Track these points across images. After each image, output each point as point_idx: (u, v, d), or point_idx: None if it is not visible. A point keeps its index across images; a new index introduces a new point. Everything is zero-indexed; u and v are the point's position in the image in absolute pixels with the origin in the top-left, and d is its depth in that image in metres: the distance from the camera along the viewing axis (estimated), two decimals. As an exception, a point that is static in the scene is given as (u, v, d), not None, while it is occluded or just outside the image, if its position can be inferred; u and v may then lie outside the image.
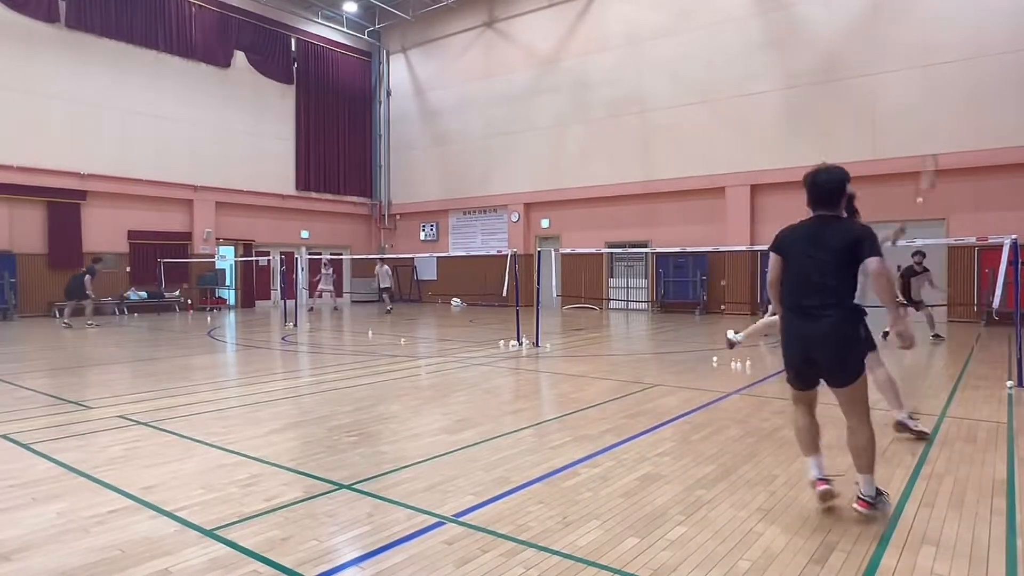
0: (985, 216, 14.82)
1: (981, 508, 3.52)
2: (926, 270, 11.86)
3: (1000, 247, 7.52)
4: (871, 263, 3.34)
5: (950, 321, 15.42)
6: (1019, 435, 5.05)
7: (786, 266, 3.75)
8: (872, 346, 4.20)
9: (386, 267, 20.92)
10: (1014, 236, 7.44)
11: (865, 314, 3.46)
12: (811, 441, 3.60)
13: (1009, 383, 7.04)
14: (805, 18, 17.15)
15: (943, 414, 5.78)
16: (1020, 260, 7.41)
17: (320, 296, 21.27)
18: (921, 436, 4.88)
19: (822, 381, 3.46)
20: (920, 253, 11.54)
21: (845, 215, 3.85)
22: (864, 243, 3.41)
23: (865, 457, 3.34)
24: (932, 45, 15.44)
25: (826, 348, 3.35)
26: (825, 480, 3.47)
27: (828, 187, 3.90)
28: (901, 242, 10.39)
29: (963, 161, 15.08)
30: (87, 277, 15.27)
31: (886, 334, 11.21)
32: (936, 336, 11.69)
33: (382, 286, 20.79)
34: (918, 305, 11.77)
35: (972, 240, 9.23)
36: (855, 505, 3.34)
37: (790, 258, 3.77)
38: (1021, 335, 7.10)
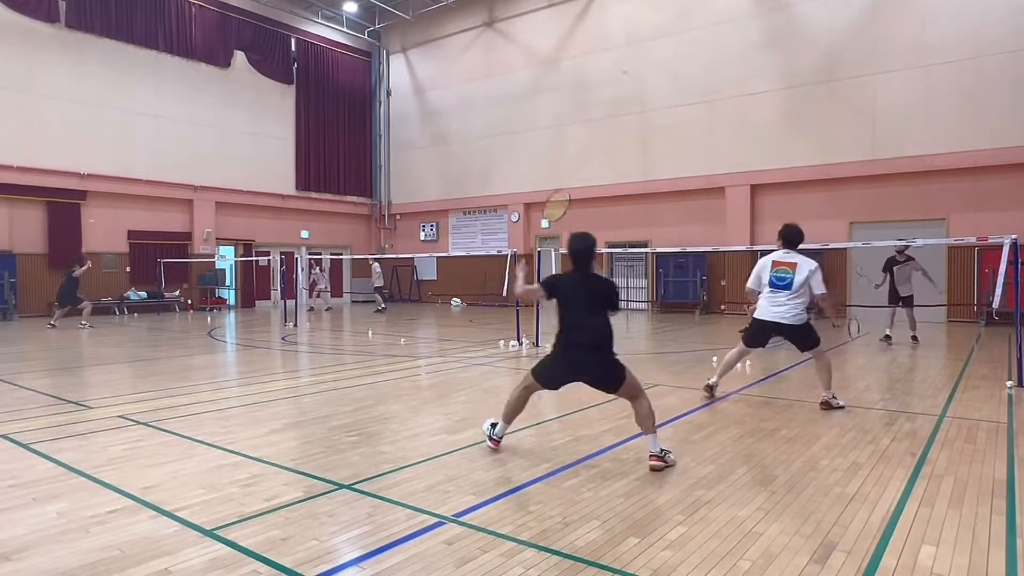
0: (985, 216, 14.82)
1: (981, 508, 3.52)
2: (910, 259, 11.32)
3: (1000, 247, 7.52)
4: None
5: (950, 321, 15.43)
6: (1019, 435, 5.05)
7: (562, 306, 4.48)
8: (817, 340, 5.95)
9: (376, 265, 20.85)
10: (1014, 236, 7.45)
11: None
12: (514, 413, 4.68)
13: (1009, 383, 7.04)
14: (805, 18, 17.15)
15: (943, 414, 5.79)
16: (1020, 260, 7.41)
17: (319, 296, 21.27)
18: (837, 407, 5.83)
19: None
20: (904, 243, 10.76)
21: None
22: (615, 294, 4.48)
23: (650, 421, 4.33)
24: (932, 45, 15.44)
25: (599, 367, 4.40)
26: (499, 440, 4.63)
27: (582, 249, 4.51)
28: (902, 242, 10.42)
29: (962, 161, 15.10)
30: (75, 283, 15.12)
31: (888, 337, 11.30)
32: (914, 338, 11.36)
33: (374, 285, 20.71)
34: (903, 300, 11.40)
35: (972, 240, 9.22)
36: (650, 462, 4.20)
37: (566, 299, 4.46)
38: (1021, 335, 7.10)
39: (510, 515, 3.45)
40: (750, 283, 6.19)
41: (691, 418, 5.72)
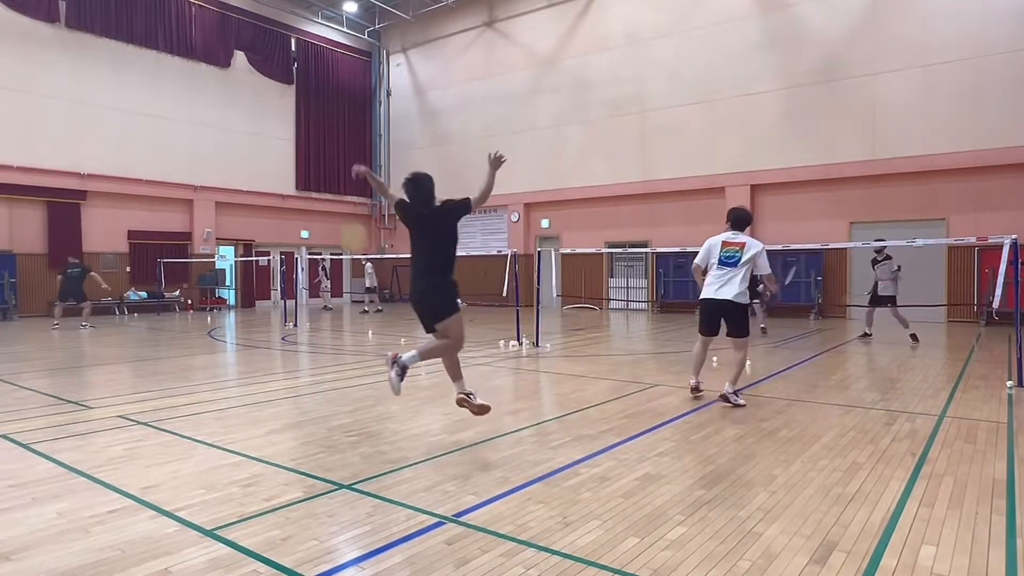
0: (985, 216, 14.82)
1: (981, 508, 3.52)
2: (888, 257, 11.59)
3: (1000, 247, 7.52)
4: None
5: (950, 321, 15.43)
6: (1019, 435, 5.05)
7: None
8: (747, 332, 6.25)
9: (369, 265, 20.70)
10: (1014, 236, 7.45)
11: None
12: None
13: (1009, 383, 7.04)
14: (805, 18, 17.15)
15: (943, 414, 5.79)
16: (1020, 260, 7.41)
17: (319, 296, 21.24)
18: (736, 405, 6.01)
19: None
20: (882, 243, 11.15)
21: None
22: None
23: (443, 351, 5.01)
24: (932, 45, 15.44)
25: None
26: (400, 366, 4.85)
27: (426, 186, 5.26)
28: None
29: (963, 161, 15.10)
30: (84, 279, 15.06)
31: (867, 335, 11.43)
32: (913, 336, 11.30)
33: (366, 285, 20.59)
34: (883, 300, 11.47)
35: (972, 240, 9.22)
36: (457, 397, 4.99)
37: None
38: (1021, 335, 7.10)
39: (510, 515, 3.45)
40: (698, 259, 6.41)
41: (691, 418, 5.72)
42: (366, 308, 20.28)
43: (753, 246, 6.14)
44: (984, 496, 3.70)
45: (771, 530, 3.24)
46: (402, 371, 4.82)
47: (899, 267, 11.73)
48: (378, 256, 22.38)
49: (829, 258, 16.87)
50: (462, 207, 5.27)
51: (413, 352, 4.88)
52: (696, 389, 6.50)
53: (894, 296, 11.63)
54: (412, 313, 5.35)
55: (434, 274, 5.05)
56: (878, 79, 16.14)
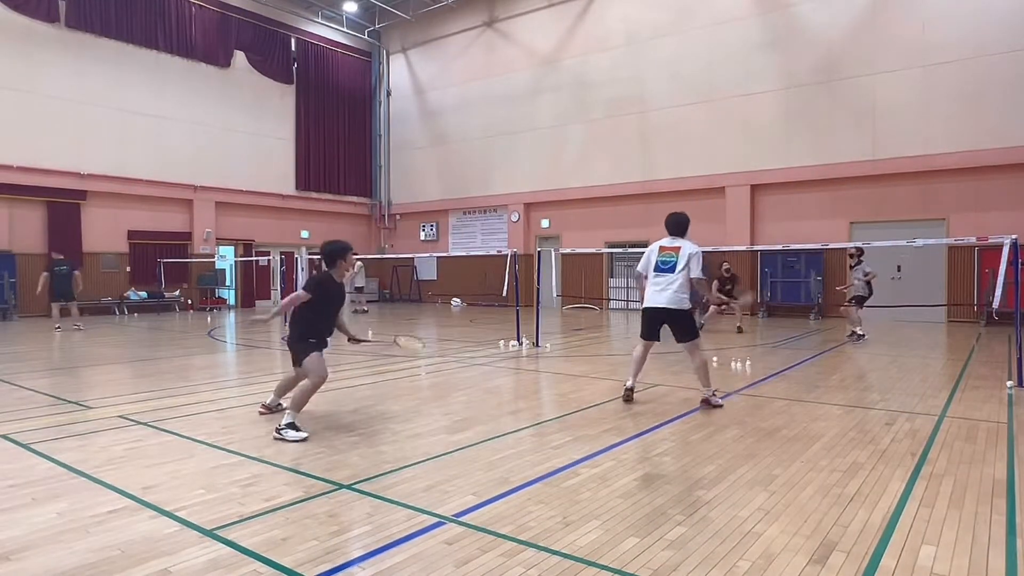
0: (985, 216, 14.83)
1: (981, 508, 3.52)
2: (860, 262, 11.99)
3: (1000, 247, 7.52)
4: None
5: (950, 321, 15.44)
6: (1019, 435, 5.05)
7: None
8: (695, 334, 6.15)
9: (358, 264, 20.27)
10: (1014, 236, 7.45)
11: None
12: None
13: (1009, 383, 7.04)
14: (805, 18, 17.15)
15: (943, 414, 5.79)
16: (1020, 260, 7.41)
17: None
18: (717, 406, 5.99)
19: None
20: (856, 247, 11.79)
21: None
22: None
23: (297, 397, 5.28)
24: (932, 45, 15.44)
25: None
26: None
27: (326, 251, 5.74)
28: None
29: (963, 161, 15.10)
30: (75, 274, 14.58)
31: (856, 335, 11.58)
32: (853, 334, 11.76)
33: (356, 285, 20.20)
34: (857, 300, 11.96)
35: (972, 240, 9.22)
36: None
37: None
38: (1021, 335, 7.10)
39: (510, 515, 3.45)
40: (640, 266, 6.38)
41: (691, 418, 5.72)
42: (361, 307, 20.22)
43: (687, 250, 6.05)
44: (984, 496, 3.70)
45: (771, 530, 3.24)
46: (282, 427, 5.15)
47: (872, 272, 12.05)
48: (378, 256, 22.43)
49: (829, 258, 16.87)
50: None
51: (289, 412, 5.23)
52: (630, 391, 6.23)
53: (864, 297, 12.00)
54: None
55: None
56: (878, 79, 16.14)
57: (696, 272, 5.99)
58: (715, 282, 13.14)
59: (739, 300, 12.86)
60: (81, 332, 13.72)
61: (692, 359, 6.12)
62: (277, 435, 4.99)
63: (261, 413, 5.85)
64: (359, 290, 20.38)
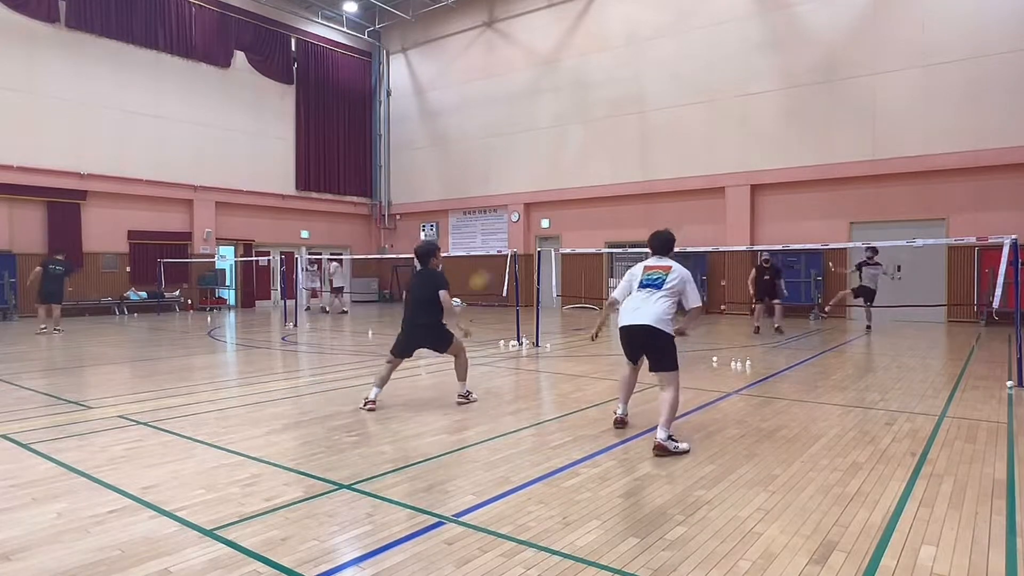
0: (985, 216, 14.82)
1: (981, 508, 3.52)
2: (877, 264, 13.09)
3: (1000, 247, 7.52)
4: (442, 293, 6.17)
5: (950, 321, 15.44)
6: (1019, 435, 5.05)
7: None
8: (675, 365, 5.06)
9: (334, 264, 20.06)
10: (1014, 236, 7.45)
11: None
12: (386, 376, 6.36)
13: (1009, 383, 7.04)
14: (805, 18, 17.15)
15: (943, 414, 5.79)
16: (1020, 260, 7.41)
17: (338, 296, 20.96)
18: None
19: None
20: (872, 248, 12.85)
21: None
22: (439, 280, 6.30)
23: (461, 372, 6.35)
24: (932, 45, 15.44)
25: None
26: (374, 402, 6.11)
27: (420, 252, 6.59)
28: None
29: (963, 161, 15.10)
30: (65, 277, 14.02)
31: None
32: (868, 327, 13.11)
33: (335, 285, 19.79)
34: (863, 293, 12.98)
35: (972, 240, 9.22)
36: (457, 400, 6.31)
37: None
38: (1021, 335, 7.10)
39: (510, 515, 3.45)
40: (617, 292, 5.38)
41: (691, 418, 5.72)
42: (343, 310, 19.89)
43: (679, 270, 5.11)
44: (984, 496, 3.70)
45: (771, 530, 3.24)
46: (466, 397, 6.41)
47: (887, 272, 13.26)
48: (378, 256, 22.41)
49: (829, 258, 16.85)
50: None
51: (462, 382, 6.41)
52: (623, 420, 5.44)
53: (874, 292, 13.01)
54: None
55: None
56: (878, 79, 16.14)
57: (696, 300, 5.09)
58: (752, 272, 13.20)
59: (777, 300, 12.96)
60: (62, 335, 13.19)
61: (664, 392, 4.88)
62: (462, 400, 6.27)
63: (370, 409, 6.02)
64: (338, 291, 19.85)
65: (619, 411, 5.49)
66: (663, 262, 5.31)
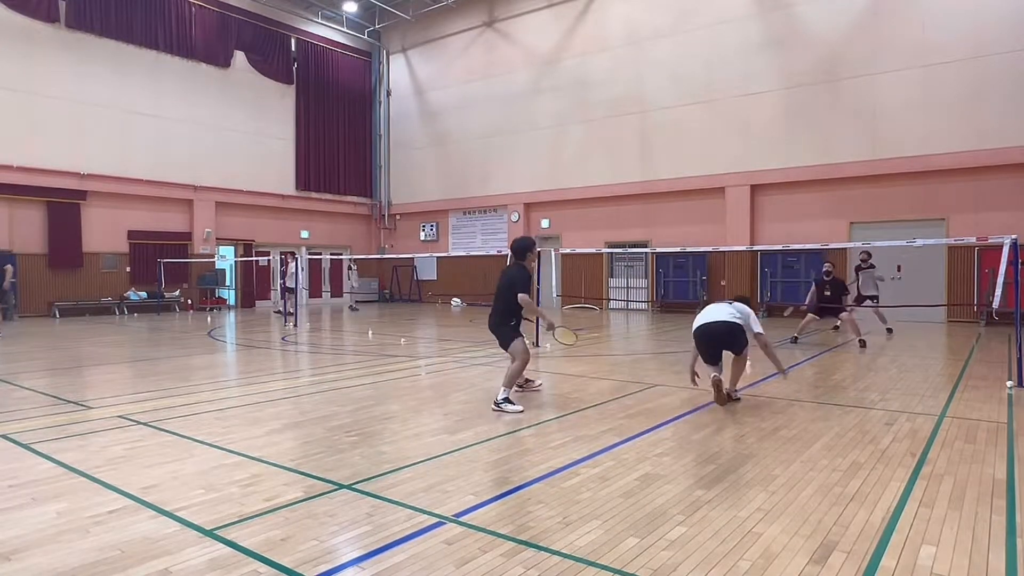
0: (985, 216, 14.83)
1: (981, 508, 3.52)
2: (872, 266, 12.94)
3: (1000, 247, 7.52)
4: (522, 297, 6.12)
5: (950, 321, 15.44)
6: (1019, 435, 5.05)
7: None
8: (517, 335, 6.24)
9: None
10: (1014, 236, 7.45)
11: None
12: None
13: (1009, 383, 7.04)
14: (805, 18, 17.15)
15: (943, 414, 5.79)
16: (1020, 260, 7.41)
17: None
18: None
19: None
20: (866, 252, 12.79)
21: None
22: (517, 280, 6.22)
23: (509, 378, 6.07)
24: (932, 45, 15.44)
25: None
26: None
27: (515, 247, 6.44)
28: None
29: (962, 161, 15.10)
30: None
31: (795, 339, 11.53)
32: (889, 330, 12.66)
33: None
34: (865, 300, 12.75)
35: (972, 240, 9.22)
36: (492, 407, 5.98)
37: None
38: (1021, 335, 7.10)
39: (510, 515, 3.45)
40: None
41: (691, 418, 5.72)
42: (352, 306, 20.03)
43: (744, 309, 6.60)
44: (984, 496, 3.70)
45: (771, 530, 3.24)
46: (499, 406, 6.01)
47: (881, 277, 13.10)
48: (378, 256, 22.42)
49: (829, 258, 16.85)
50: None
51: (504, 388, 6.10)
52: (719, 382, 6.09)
53: (876, 296, 12.82)
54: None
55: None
56: (878, 79, 16.14)
57: (758, 327, 6.27)
58: (812, 288, 11.67)
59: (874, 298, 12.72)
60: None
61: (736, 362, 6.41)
62: (496, 408, 5.92)
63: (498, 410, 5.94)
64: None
65: (713, 373, 6.08)
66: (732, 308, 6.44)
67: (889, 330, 12.75)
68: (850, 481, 3.97)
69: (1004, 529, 3.25)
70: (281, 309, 18.40)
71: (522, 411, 5.87)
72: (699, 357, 6.37)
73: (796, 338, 11.54)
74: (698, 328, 6.32)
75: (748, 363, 6.56)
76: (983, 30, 14.88)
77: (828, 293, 11.30)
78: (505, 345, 6.29)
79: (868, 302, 12.82)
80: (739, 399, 6.32)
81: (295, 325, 15.40)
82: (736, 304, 6.52)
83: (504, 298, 6.22)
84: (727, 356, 6.33)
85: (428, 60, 25.28)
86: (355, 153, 26.18)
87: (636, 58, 19.90)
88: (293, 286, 17.24)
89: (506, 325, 6.24)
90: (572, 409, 6.07)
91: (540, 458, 4.50)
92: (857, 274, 13.23)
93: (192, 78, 20.97)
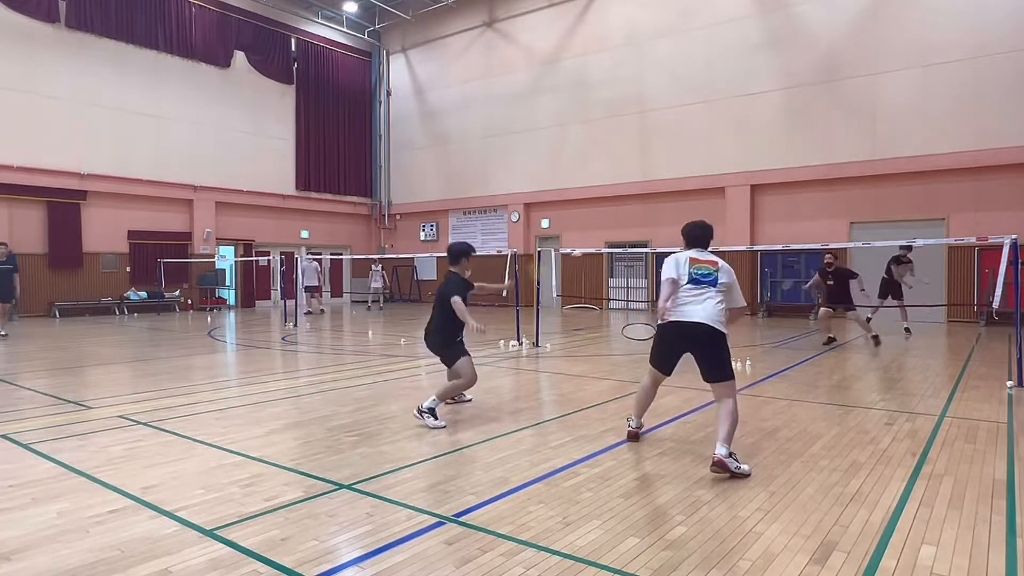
0: (985, 216, 14.82)
1: (981, 508, 3.52)
2: (910, 261, 12.69)
3: (1000, 247, 7.52)
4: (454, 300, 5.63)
5: (950, 321, 15.43)
6: (1019, 435, 5.05)
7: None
8: (732, 373, 4.49)
9: (314, 264, 19.35)
10: (1014, 236, 7.45)
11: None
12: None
13: (1009, 383, 7.04)
14: (805, 18, 17.15)
15: (943, 414, 5.79)
16: (1020, 260, 7.41)
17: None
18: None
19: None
20: (907, 247, 12.37)
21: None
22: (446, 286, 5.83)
23: (447, 391, 5.62)
24: (932, 45, 15.44)
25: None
26: None
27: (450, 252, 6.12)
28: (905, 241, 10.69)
29: (963, 161, 15.10)
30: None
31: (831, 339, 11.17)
32: (907, 330, 12.40)
33: (305, 284, 18.57)
34: (891, 291, 12.59)
35: (972, 240, 9.22)
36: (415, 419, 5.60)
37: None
38: (1021, 335, 7.10)
39: (510, 515, 3.45)
40: (672, 272, 4.68)
41: (691, 418, 5.72)
42: (316, 309, 19.25)
43: (726, 267, 4.74)
44: (984, 496, 3.70)
45: (771, 530, 3.24)
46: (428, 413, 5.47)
47: (911, 274, 12.76)
48: (378, 256, 22.42)
49: (832, 250, 16.85)
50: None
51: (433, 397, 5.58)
52: (637, 432, 5.00)
53: (900, 289, 12.69)
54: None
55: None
56: (878, 79, 16.14)
57: (742, 300, 4.80)
58: (815, 276, 11.53)
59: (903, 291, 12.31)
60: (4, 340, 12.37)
61: (723, 405, 4.36)
62: (418, 415, 5.45)
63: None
64: (311, 289, 18.92)
65: (633, 423, 4.97)
66: (707, 256, 4.81)
67: (907, 331, 12.37)
68: (850, 481, 3.97)
69: (1004, 529, 3.25)
70: (311, 308, 18.98)
71: (444, 426, 5.32)
72: (656, 355, 4.80)
73: (831, 338, 11.07)
74: (670, 324, 4.58)
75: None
76: (983, 30, 14.88)
77: (831, 283, 11.03)
78: (450, 363, 5.73)
79: (891, 299, 12.51)
80: (748, 474, 4.14)
81: (295, 325, 15.40)
82: (721, 269, 4.66)
83: (444, 312, 5.66)
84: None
85: (428, 60, 25.28)
86: (355, 153, 26.17)
87: (636, 58, 19.90)
88: (316, 284, 18.66)
89: (451, 342, 5.74)
90: (572, 409, 6.07)
91: (540, 458, 4.50)
92: (891, 266, 12.68)
93: (192, 78, 20.97)
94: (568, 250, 17.22)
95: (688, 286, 4.60)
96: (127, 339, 12.95)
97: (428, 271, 25.30)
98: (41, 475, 4.14)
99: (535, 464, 4.36)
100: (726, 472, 4.08)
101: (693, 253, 4.79)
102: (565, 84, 21.38)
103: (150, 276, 19.74)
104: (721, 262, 4.76)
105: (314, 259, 19.99)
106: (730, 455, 4.15)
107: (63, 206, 18.22)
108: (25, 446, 4.82)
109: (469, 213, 24.39)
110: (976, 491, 3.78)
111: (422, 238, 25.63)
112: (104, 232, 19.19)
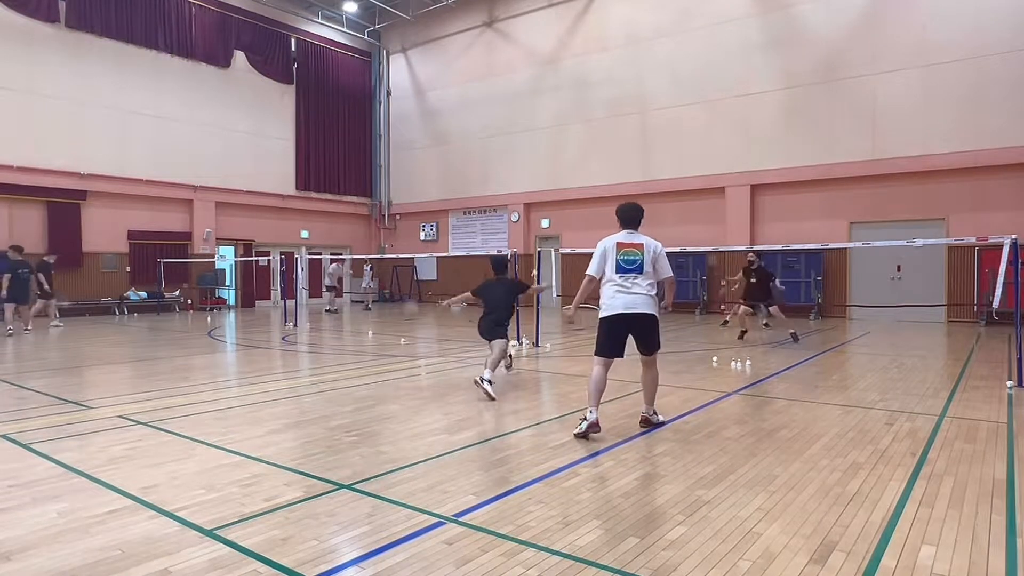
0: (985, 216, 14.82)
1: (981, 508, 3.52)
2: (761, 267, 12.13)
3: (1000, 247, 7.52)
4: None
5: (950, 321, 15.44)
6: (1019, 435, 5.05)
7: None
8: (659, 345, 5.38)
9: (334, 265, 20.16)
10: (1014, 236, 7.45)
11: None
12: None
13: (1009, 383, 7.04)
14: (805, 18, 17.15)
15: (943, 414, 5.79)
16: (1020, 260, 7.41)
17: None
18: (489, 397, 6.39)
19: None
20: (756, 254, 11.93)
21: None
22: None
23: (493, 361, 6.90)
24: (932, 45, 15.44)
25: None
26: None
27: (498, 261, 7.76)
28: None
29: (963, 161, 15.10)
30: (40, 274, 13.97)
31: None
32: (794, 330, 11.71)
33: (327, 284, 19.79)
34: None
35: (972, 240, 9.22)
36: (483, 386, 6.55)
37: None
38: (1021, 335, 7.10)
39: (510, 515, 3.45)
40: (592, 268, 5.32)
41: (691, 418, 5.72)
42: (335, 307, 19.90)
43: (651, 244, 5.22)
44: (984, 496, 3.70)
45: (771, 530, 3.24)
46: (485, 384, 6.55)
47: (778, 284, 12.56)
48: (378, 256, 22.42)
49: (829, 258, 16.88)
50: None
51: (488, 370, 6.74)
52: (596, 425, 4.99)
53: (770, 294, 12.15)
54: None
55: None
56: (878, 79, 16.14)
57: (668, 271, 5.21)
58: (739, 274, 11.99)
59: (771, 308, 11.64)
60: (31, 334, 13.23)
61: (647, 372, 5.26)
62: (479, 383, 6.48)
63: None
64: (331, 289, 19.98)
65: (592, 415, 4.95)
66: (635, 238, 5.27)
67: (766, 325, 12.11)
68: (850, 481, 3.97)
69: (1004, 529, 3.25)
70: (331, 307, 19.75)
71: (494, 399, 6.36)
72: (605, 339, 5.18)
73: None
74: (617, 317, 5.08)
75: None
76: (983, 30, 14.88)
77: (754, 280, 11.65)
78: (494, 340, 7.30)
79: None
80: (663, 422, 5.23)
81: (295, 325, 15.39)
82: (646, 250, 5.12)
83: (508, 308, 7.58)
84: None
85: (428, 60, 25.27)
86: (355, 153, 26.17)
87: (636, 58, 19.90)
88: (335, 284, 19.61)
89: (504, 328, 7.51)
90: (572, 409, 6.07)
91: (540, 458, 4.50)
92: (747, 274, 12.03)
93: (192, 78, 20.97)
94: (568, 250, 17.24)
95: (616, 277, 5.14)
96: (127, 339, 12.95)
97: (428, 271, 25.30)
98: (41, 475, 4.14)
99: (535, 464, 4.36)
100: (650, 426, 5.25)
101: (622, 236, 5.31)
102: (565, 84, 21.38)
103: (150, 276, 19.74)
104: (647, 241, 5.22)
105: (335, 260, 20.52)
106: (654, 412, 5.36)
107: (63, 206, 18.22)
108: (25, 446, 4.82)
109: (469, 213, 24.39)
110: (976, 491, 3.78)
111: (422, 238, 25.63)
112: (104, 232, 19.19)
